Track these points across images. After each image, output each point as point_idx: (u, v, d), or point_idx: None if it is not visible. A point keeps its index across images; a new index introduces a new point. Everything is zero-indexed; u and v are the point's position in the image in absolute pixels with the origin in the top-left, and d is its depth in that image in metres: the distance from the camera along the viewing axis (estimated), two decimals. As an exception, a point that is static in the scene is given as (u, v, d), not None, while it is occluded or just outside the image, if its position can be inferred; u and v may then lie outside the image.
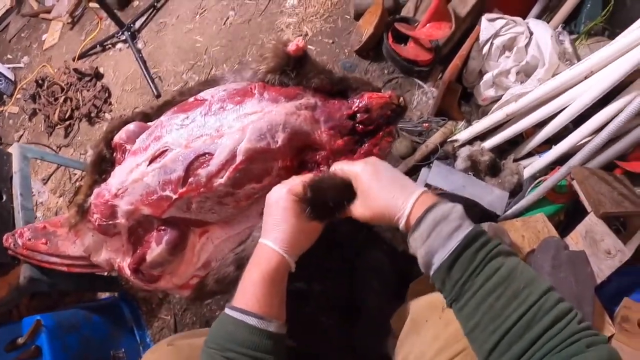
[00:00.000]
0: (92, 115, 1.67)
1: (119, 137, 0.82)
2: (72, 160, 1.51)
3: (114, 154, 0.84)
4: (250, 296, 0.55)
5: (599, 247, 0.91)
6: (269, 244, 0.60)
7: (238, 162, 0.67)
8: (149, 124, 0.83)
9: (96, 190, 0.81)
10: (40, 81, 1.79)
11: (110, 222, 0.79)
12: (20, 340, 1.02)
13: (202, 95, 0.78)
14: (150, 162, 0.73)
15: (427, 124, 1.18)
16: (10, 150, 1.18)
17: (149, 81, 1.62)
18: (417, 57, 1.29)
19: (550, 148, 1.12)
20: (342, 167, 0.65)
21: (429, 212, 0.53)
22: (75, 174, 1.63)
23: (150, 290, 1.34)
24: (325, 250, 0.71)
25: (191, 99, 0.79)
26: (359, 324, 1.07)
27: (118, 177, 0.77)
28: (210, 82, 0.87)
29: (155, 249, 0.77)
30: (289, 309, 0.61)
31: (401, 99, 0.82)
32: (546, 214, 1.03)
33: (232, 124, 0.68)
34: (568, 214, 1.09)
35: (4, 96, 1.94)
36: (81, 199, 0.83)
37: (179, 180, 0.70)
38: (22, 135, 1.84)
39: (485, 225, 0.97)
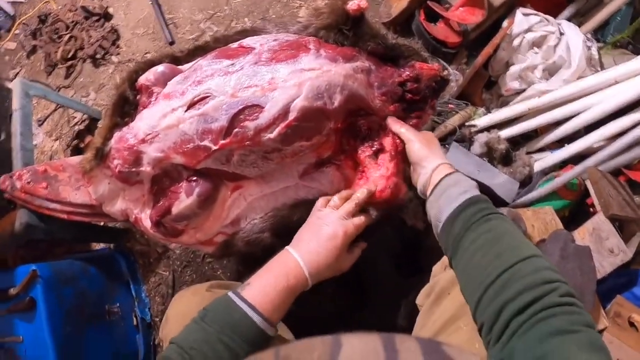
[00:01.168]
0: (98, 56, 1.51)
1: (146, 78, 0.72)
2: (76, 102, 1.37)
3: (138, 97, 0.74)
4: (268, 300, 0.55)
5: (603, 245, 0.92)
6: (299, 261, 0.58)
7: (291, 118, 0.61)
8: (182, 67, 0.73)
9: (118, 134, 0.72)
10: (43, 17, 1.59)
11: (133, 170, 0.71)
12: (12, 291, 0.92)
13: (248, 42, 0.69)
14: (189, 107, 0.64)
15: (451, 105, 1.13)
16: (10, 86, 1.03)
17: (164, 26, 1.48)
18: (446, 38, 1.23)
19: (561, 146, 1.13)
20: (399, 129, 0.68)
21: (443, 179, 0.60)
22: (75, 117, 1.49)
23: (169, 243, 1.24)
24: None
25: (235, 44, 0.70)
26: (367, 294, 1.04)
27: (148, 121, 0.69)
28: (249, 32, 0.77)
29: (184, 201, 0.69)
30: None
31: (445, 72, 0.78)
32: (553, 208, 1.02)
33: (287, 78, 0.61)
34: (572, 212, 1.09)
35: (1, 31, 1.72)
36: (99, 142, 0.73)
37: (221, 131, 0.62)
38: (18, 73, 1.65)
39: (504, 210, 0.95)
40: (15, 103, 1.02)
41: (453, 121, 1.17)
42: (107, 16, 1.57)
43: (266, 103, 0.60)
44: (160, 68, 0.72)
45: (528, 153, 1.18)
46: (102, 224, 1.22)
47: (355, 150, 0.68)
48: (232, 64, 0.65)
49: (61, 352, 0.92)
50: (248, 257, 1.11)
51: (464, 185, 0.58)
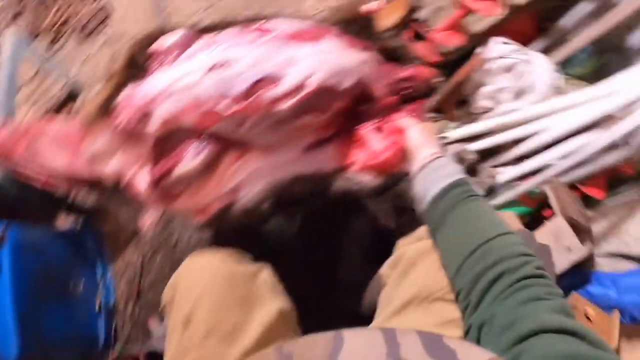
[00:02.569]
0: (85, 32, 1.48)
1: (160, 44, 0.75)
2: (62, 71, 1.33)
3: (148, 62, 0.76)
4: None
5: (561, 244, 1.03)
6: None
7: (306, 92, 0.66)
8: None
9: (127, 91, 0.73)
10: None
11: (139, 127, 0.71)
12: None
13: (267, 26, 0.74)
14: (209, 71, 0.67)
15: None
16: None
17: (159, 12, 1.49)
18: (425, 57, 1.34)
19: (520, 162, 1.24)
20: (402, 115, 0.76)
21: (433, 161, 0.65)
22: (53, 88, 1.44)
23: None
24: (307, 219, 0.72)
25: (254, 26, 0.75)
26: (339, 287, 1.07)
27: (162, 80, 0.71)
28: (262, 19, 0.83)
29: (188, 163, 0.71)
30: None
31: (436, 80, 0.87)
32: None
33: (306, 56, 0.67)
34: (532, 219, 1.19)
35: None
36: (105, 96, 0.74)
37: (239, 97, 0.66)
38: (-4, 34, 1.57)
39: None
40: (6, 52, 0.98)
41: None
42: (100, -6, 1.56)
43: (284, 75, 0.65)
44: (177, 34, 0.76)
45: (493, 166, 1.31)
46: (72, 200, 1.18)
47: (355, 131, 0.74)
48: (256, 39, 0.70)
49: (21, 320, 0.87)
50: (230, 236, 1.13)
51: (451, 168, 0.64)
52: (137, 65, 0.77)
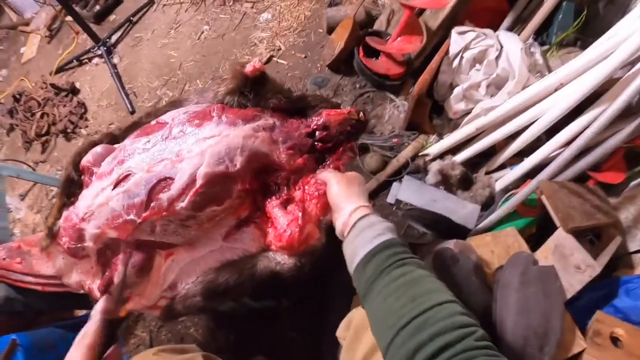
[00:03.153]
0: (69, 131, 1.71)
1: (87, 160, 0.86)
2: (48, 177, 1.54)
3: (82, 177, 0.88)
4: None
5: (568, 262, 0.93)
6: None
7: (198, 186, 0.71)
8: (115, 146, 0.88)
9: (65, 214, 0.85)
10: (17, 96, 1.83)
11: (79, 245, 0.83)
12: (-7, 360, 1.04)
13: (164, 118, 0.82)
14: (115, 186, 0.77)
15: (397, 139, 1.22)
16: (-17, 168, 1.22)
17: (124, 97, 1.66)
18: (388, 71, 1.34)
19: (522, 160, 1.15)
20: (320, 174, 0.77)
21: (359, 221, 0.64)
22: (52, 190, 1.67)
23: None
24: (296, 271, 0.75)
25: (153, 122, 0.84)
26: (325, 339, 1.10)
27: (85, 200, 0.81)
28: (176, 103, 0.92)
29: (121, 271, 0.81)
30: (259, 324, 0.65)
31: (361, 113, 0.87)
32: (517, 227, 1.05)
33: (191, 148, 0.73)
34: (540, 227, 1.10)
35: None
36: (51, 222, 0.87)
37: (142, 204, 0.74)
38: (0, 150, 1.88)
39: (451, 243, 1.00)
40: None
41: (405, 153, 1.25)
42: (74, 90, 1.78)
43: (176, 174, 0.71)
44: (98, 149, 0.86)
45: (488, 173, 1.23)
46: (82, 291, 1.36)
47: (266, 207, 0.76)
48: (148, 141, 0.77)
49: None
50: (216, 314, 1.22)
51: (378, 227, 0.61)
52: (73, 182, 0.89)
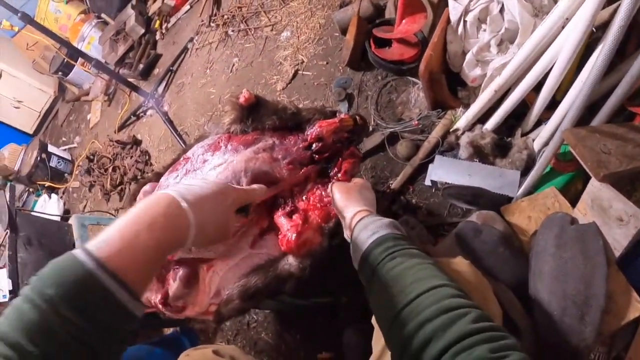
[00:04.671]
0: (138, 177, 1.97)
1: (138, 198, 1.03)
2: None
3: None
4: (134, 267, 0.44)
5: (608, 215, 0.84)
6: (170, 193, 0.52)
7: None
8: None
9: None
10: (91, 156, 2.16)
11: None
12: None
13: (188, 153, 0.96)
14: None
15: (416, 122, 1.23)
16: (70, 221, 1.47)
17: (177, 138, 1.88)
18: (402, 56, 1.35)
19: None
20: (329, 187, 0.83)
21: (356, 225, 0.69)
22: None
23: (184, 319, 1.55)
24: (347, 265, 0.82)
25: (182, 159, 0.98)
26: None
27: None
28: (201, 138, 1.06)
29: (173, 285, 0.94)
30: (320, 322, 0.71)
31: (358, 118, 0.92)
32: (559, 186, 1.00)
33: (208, 175, 0.84)
34: (587, 181, 0.98)
35: (66, 175, 2.36)
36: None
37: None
38: (85, 206, 2.21)
39: (474, 216, 0.99)
40: (75, 234, 1.44)
41: (435, 133, 1.25)
42: (137, 142, 2.06)
43: None
44: (147, 187, 1.02)
45: (525, 133, 1.19)
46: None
47: (274, 219, 0.85)
48: (177, 175, 0.90)
49: None
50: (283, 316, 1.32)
51: (371, 228, 0.65)
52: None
